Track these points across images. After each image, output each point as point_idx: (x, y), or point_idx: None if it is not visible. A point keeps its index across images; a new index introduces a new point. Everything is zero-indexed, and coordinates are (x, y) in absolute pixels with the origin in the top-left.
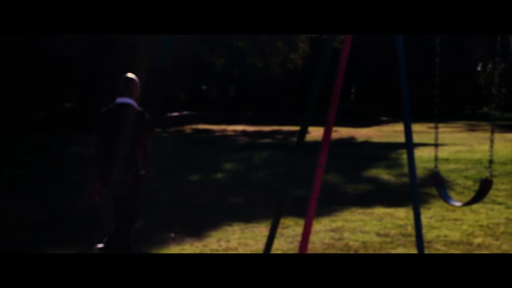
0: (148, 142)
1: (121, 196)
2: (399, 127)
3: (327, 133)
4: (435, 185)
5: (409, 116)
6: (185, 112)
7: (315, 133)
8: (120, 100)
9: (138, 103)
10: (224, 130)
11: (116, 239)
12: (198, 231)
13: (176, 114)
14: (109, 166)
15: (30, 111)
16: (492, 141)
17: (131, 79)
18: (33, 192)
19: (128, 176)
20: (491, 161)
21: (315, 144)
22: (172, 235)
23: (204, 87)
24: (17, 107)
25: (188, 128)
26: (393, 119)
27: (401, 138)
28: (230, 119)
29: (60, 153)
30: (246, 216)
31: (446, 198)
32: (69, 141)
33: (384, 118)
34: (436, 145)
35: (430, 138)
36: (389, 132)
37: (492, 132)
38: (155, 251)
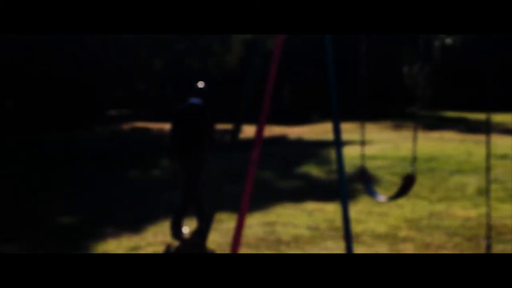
0: (212, 134)
1: (193, 172)
2: (330, 126)
3: (260, 131)
4: (361, 181)
5: (337, 115)
6: (123, 111)
7: (250, 131)
8: (192, 100)
9: (204, 103)
10: (161, 129)
11: (184, 207)
12: (135, 226)
13: (115, 112)
14: (182, 150)
15: None
16: (415, 139)
17: (201, 85)
18: None
19: (197, 158)
20: (414, 158)
21: (249, 142)
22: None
23: (142, 86)
24: None
25: (127, 127)
26: (325, 118)
27: (332, 136)
28: (168, 118)
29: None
30: None
31: (371, 193)
32: (10, 140)
33: (315, 117)
34: (363, 142)
35: (359, 136)
36: (320, 131)
37: (416, 130)
38: (93, 246)
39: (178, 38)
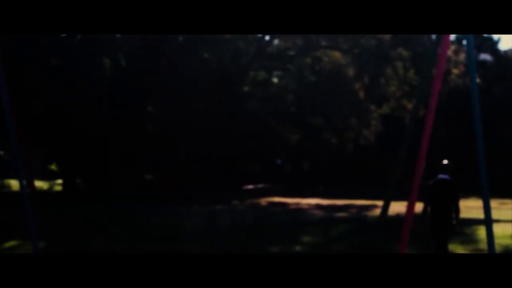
0: (458, 202)
1: (444, 233)
2: (470, 203)
3: (410, 208)
4: None
5: (488, 193)
6: (260, 185)
7: (395, 207)
8: (441, 176)
9: (451, 177)
10: (298, 203)
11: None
12: None
13: (251, 186)
14: (436, 217)
15: (113, 183)
16: None
17: (445, 162)
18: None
19: (447, 222)
20: None
21: (396, 219)
22: None
23: (278, 161)
24: (97, 180)
25: (264, 201)
26: (463, 194)
27: (473, 214)
28: (304, 193)
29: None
30: None
31: None
32: (152, 212)
33: None
34: None
35: (502, 214)
36: (461, 208)
37: None
38: None
39: (311, 112)
